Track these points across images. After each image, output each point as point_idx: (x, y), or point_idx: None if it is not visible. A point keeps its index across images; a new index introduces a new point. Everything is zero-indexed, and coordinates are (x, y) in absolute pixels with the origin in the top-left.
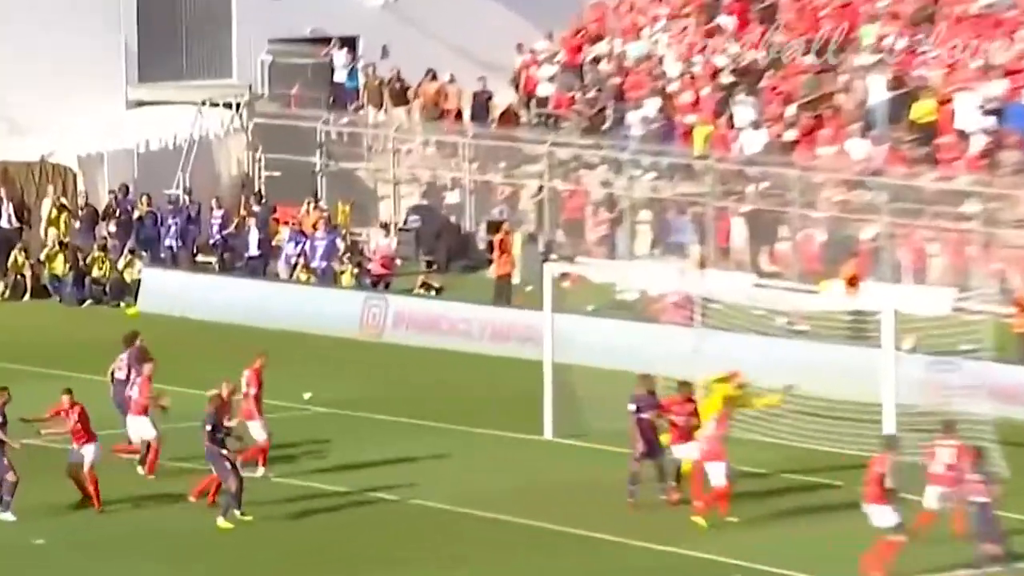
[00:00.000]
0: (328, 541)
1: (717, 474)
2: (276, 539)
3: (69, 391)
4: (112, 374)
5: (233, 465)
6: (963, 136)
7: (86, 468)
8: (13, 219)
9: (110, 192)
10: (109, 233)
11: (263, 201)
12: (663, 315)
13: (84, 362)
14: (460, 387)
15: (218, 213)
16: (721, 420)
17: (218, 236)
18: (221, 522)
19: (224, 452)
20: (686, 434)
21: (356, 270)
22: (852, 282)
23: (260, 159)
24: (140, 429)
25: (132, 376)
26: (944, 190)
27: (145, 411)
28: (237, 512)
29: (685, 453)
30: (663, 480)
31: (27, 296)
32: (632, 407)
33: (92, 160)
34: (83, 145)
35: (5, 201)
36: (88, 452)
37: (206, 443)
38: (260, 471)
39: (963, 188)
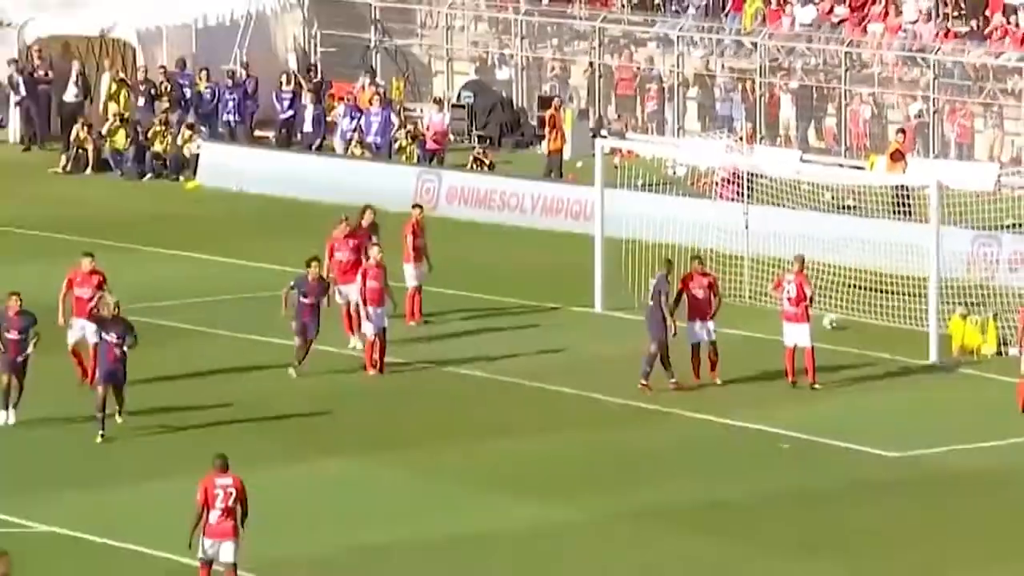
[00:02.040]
0: (378, 412)
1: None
2: (325, 411)
3: (91, 255)
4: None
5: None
6: (1011, 10)
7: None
8: (77, 92)
9: (160, 67)
10: (166, 108)
11: (319, 77)
12: (711, 190)
13: (145, 235)
14: (511, 261)
15: (288, 88)
16: None
17: (289, 113)
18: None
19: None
20: (702, 310)
21: (413, 144)
22: (896, 157)
23: (315, 35)
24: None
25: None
26: (991, 65)
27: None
28: (119, 419)
29: (697, 332)
30: (668, 368)
31: (89, 170)
32: (652, 292)
33: (151, 35)
34: (142, 19)
35: (73, 74)
36: (89, 328)
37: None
38: (412, 323)
39: (1011, 64)
